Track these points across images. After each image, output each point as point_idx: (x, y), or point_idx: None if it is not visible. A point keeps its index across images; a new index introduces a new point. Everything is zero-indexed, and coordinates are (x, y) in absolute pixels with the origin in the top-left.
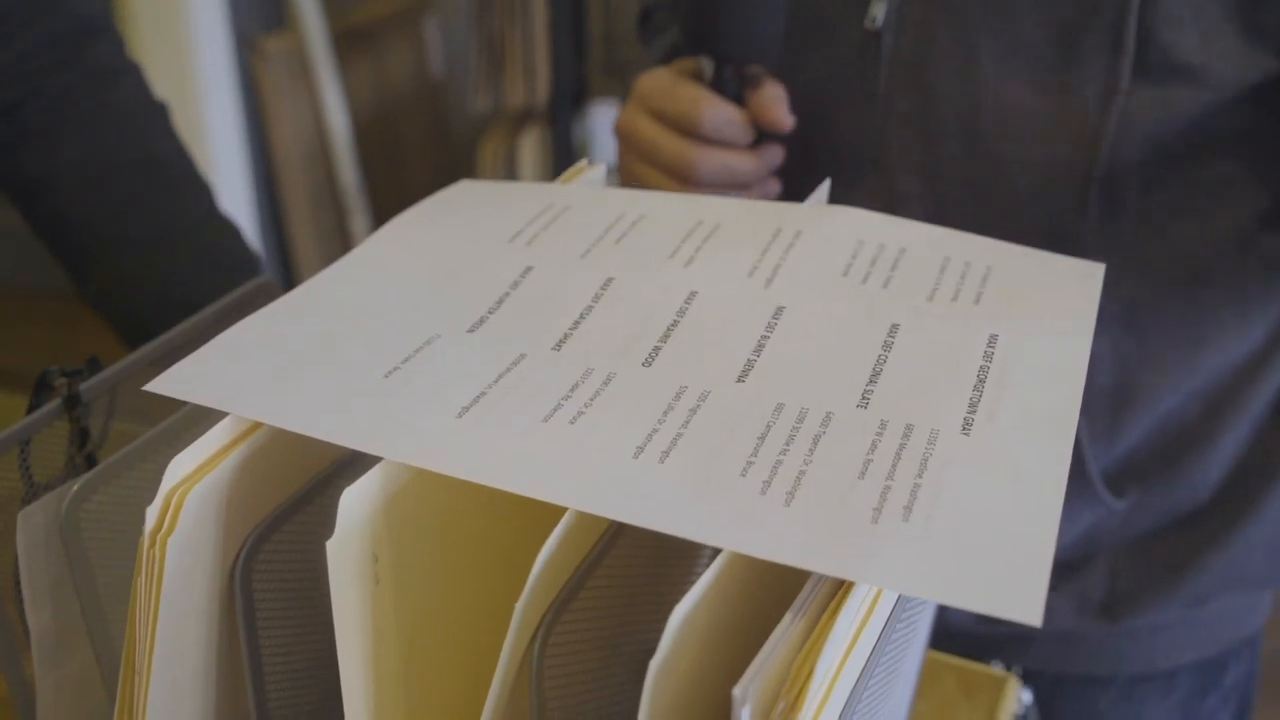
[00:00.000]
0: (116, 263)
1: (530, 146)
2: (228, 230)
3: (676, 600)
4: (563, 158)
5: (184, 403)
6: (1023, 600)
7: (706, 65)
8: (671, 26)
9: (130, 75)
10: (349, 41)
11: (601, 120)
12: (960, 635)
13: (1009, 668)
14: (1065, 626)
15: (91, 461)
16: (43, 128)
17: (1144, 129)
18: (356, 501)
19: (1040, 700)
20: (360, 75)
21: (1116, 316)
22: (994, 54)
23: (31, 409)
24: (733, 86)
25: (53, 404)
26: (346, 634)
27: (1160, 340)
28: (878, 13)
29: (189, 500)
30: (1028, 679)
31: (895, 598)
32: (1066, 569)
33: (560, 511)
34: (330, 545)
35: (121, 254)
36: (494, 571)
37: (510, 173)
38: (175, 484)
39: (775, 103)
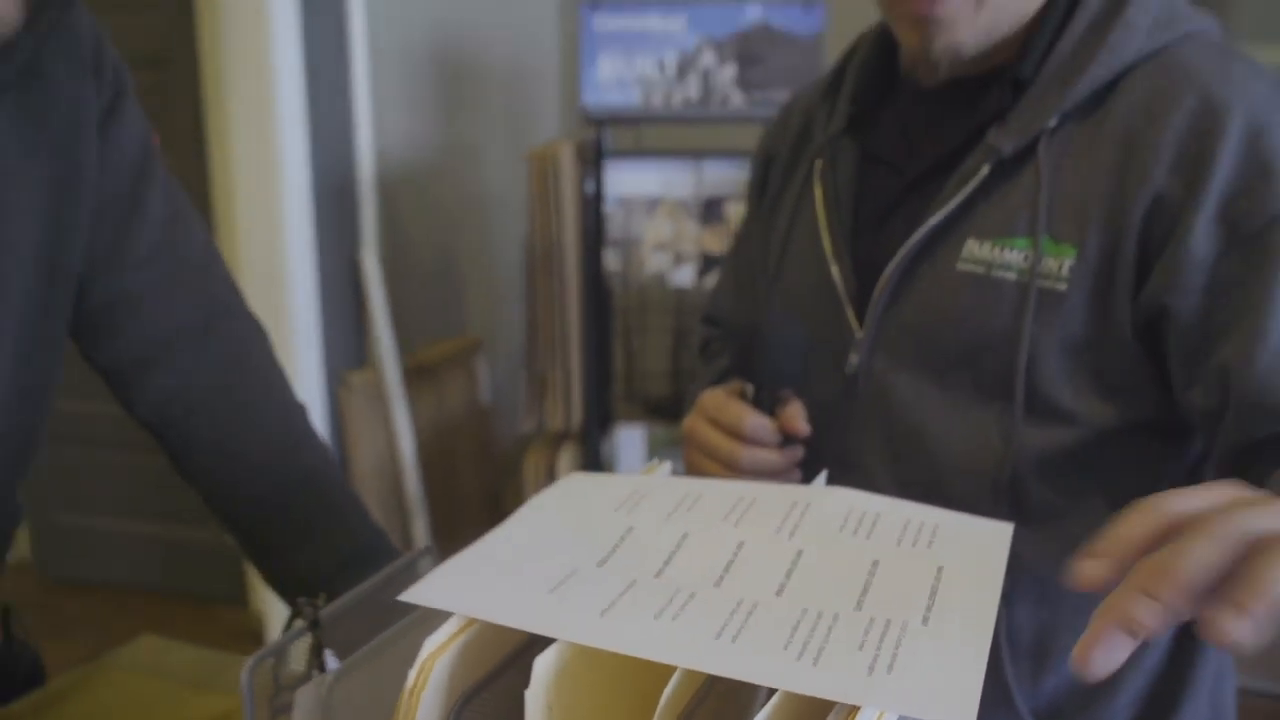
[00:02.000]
0: (282, 556)
1: (566, 461)
2: (355, 506)
3: None
4: (592, 470)
5: (381, 626)
6: (957, 709)
7: (748, 388)
8: (723, 354)
9: (260, 360)
10: (416, 376)
11: (624, 439)
12: None
13: None
14: None
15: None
16: (184, 409)
17: (1036, 453)
18: (543, 666)
19: None
20: (424, 403)
21: (1032, 591)
22: (932, 395)
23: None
24: (767, 404)
25: (302, 625)
26: None
27: (1068, 611)
28: (853, 362)
29: (436, 666)
30: None
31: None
32: None
33: (668, 674)
34: (527, 694)
35: (286, 549)
36: (630, 713)
37: (550, 482)
38: (427, 656)
39: (796, 417)
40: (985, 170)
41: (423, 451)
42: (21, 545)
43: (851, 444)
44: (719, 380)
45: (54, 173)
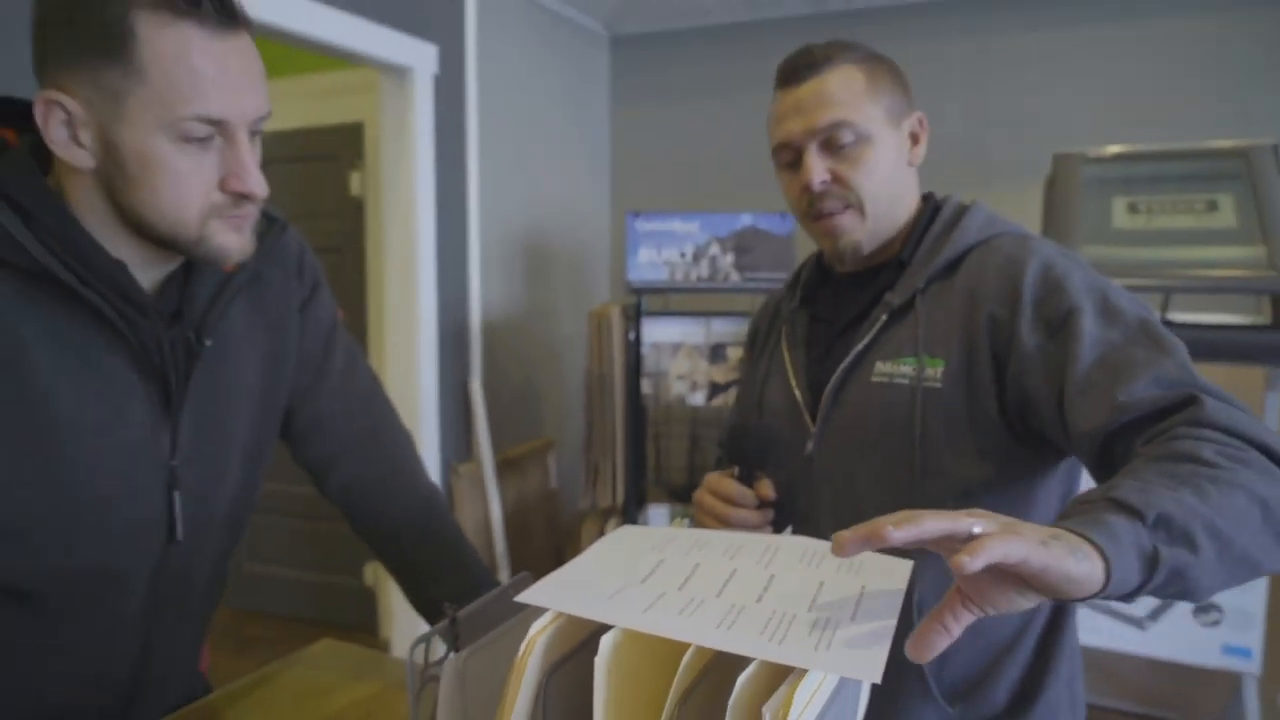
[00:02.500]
0: (425, 587)
1: (613, 529)
2: (473, 555)
3: (729, 692)
4: None
5: (492, 627)
6: (869, 671)
7: (735, 470)
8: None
9: (409, 457)
10: (505, 467)
11: (653, 514)
12: None
13: None
14: None
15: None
16: (359, 492)
17: (933, 502)
18: (606, 643)
19: None
20: (509, 486)
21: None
22: (861, 467)
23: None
24: (748, 480)
25: (445, 621)
26: (599, 697)
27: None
28: (810, 448)
29: (537, 643)
30: None
31: (836, 683)
32: None
33: (684, 651)
34: (596, 660)
35: (428, 583)
36: (661, 677)
37: None
38: (532, 635)
39: (767, 488)
40: (884, 318)
41: (508, 522)
42: None
43: (809, 506)
44: (719, 466)
45: (270, 341)
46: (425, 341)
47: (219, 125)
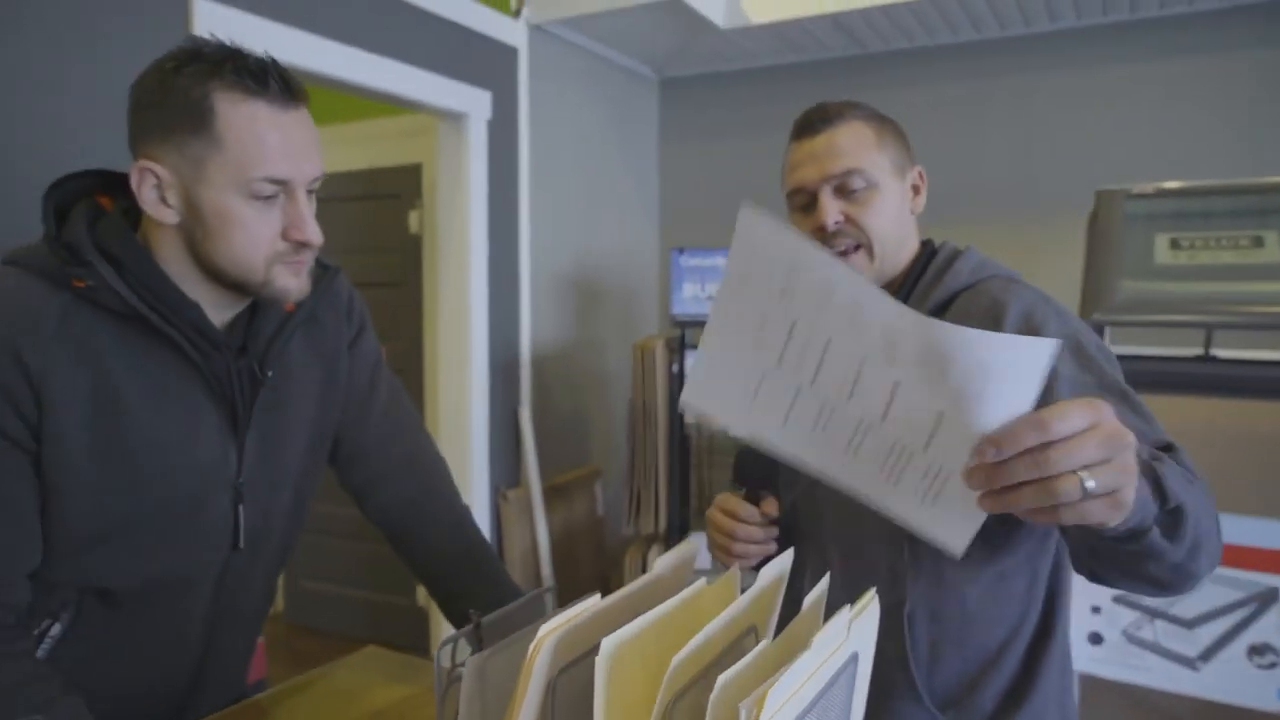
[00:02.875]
0: (457, 600)
1: (655, 556)
2: (501, 572)
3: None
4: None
5: (513, 630)
6: (954, 544)
7: (743, 491)
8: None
9: (444, 482)
10: (552, 493)
11: (695, 539)
12: None
13: None
14: None
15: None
16: (397, 514)
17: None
18: (607, 646)
19: None
20: (556, 512)
21: (925, 616)
22: (845, 512)
23: (458, 628)
24: (754, 499)
25: (470, 626)
26: (599, 696)
27: (951, 629)
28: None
29: (545, 644)
30: None
31: (819, 688)
32: None
33: (676, 652)
34: (597, 660)
35: (459, 597)
36: (657, 676)
37: (643, 572)
38: (540, 637)
39: (772, 507)
40: None
41: (555, 547)
42: (279, 600)
43: (812, 525)
44: (729, 487)
45: (323, 374)
46: (476, 371)
47: (283, 185)
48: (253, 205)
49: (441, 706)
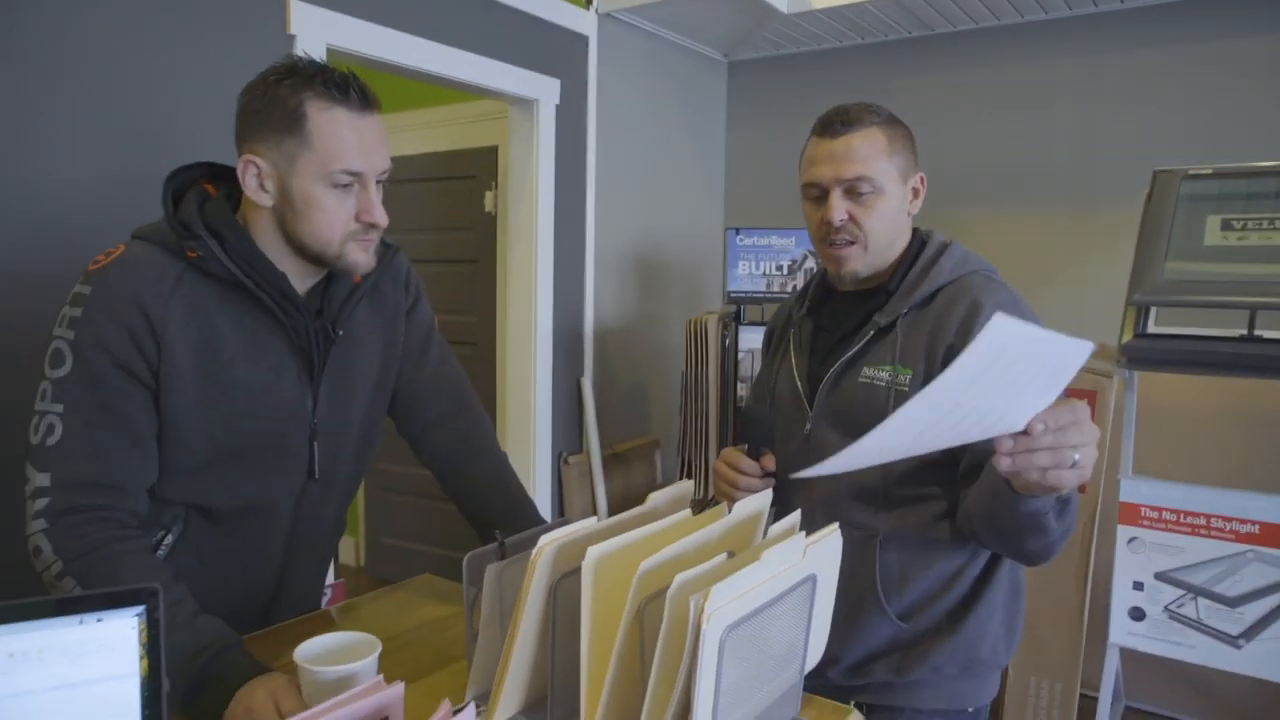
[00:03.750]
0: (490, 526)
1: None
2: (529, 505)
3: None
4: None
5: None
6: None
7: (744, 447)
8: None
9: (485, 432)
10: (612, 461)
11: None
12: (825, 689)
13: (850, 703)
14: (881, 680)
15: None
16: (445, 456)
17: (897, 474)
18: (592, 554)
19: None
20: (615, 479)
21: (894, 545)
22: (844, 444)
23: (483, 544)
24: (754, 454)
25: (495, 544)
26: (585, 594)
27: (915, 557)
28: (807, 428)
29: (545, 550)
30: (862, 708)
31: (774, 593)
32: (880, 654)
33: (641, 559)
34: (583, 565)
35: (493, 525)
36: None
37: None
38: (541, 545)
39: (770, 462)
40: (871, 333)
41: (612, 511)
42: (361, 555)
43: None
44: (735, 443)
45: (384, 335)
46: (542, 341)
47: (357, 176)
48: (333, 193)
49: (470, 613)
